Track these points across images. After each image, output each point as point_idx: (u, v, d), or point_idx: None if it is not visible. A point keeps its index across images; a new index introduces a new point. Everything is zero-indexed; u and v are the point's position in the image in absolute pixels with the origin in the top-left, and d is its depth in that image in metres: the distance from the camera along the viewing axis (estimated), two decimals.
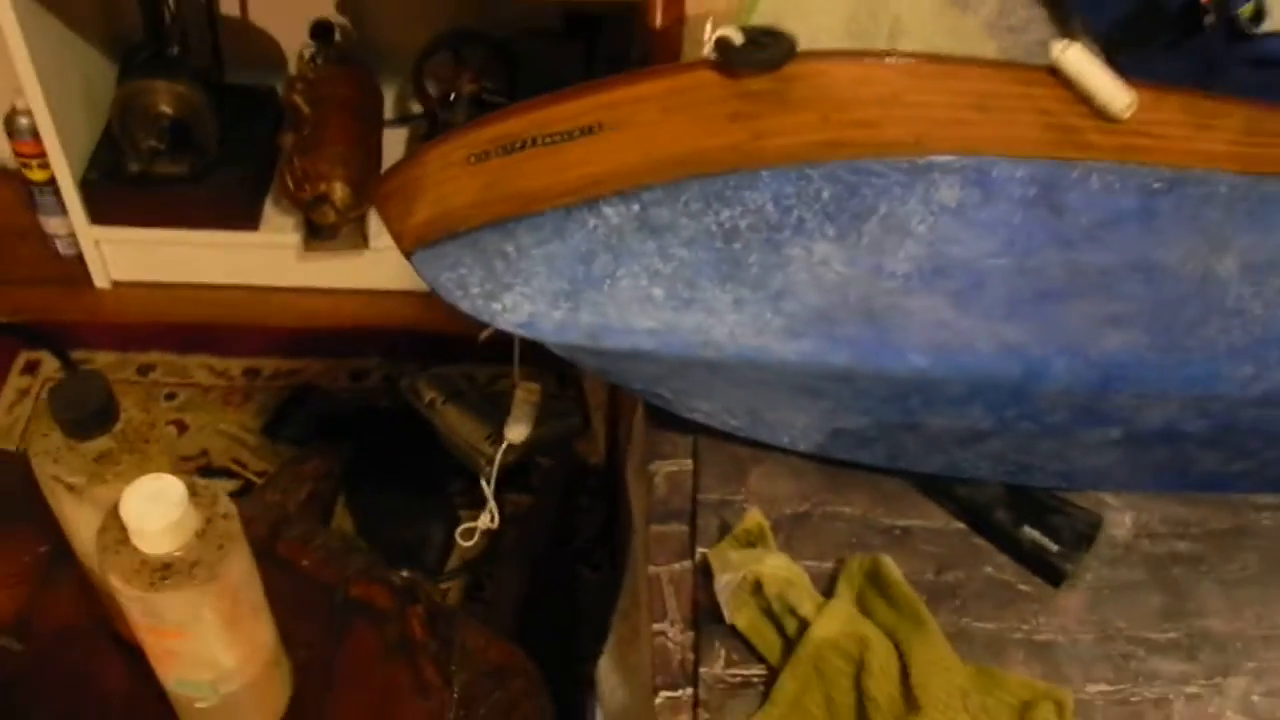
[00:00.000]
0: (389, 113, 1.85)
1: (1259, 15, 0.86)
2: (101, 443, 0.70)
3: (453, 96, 1.70)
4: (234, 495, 1.54)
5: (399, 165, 0.84)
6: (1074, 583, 0.87)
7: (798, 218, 0.75)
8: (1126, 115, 0.76)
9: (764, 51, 0.77)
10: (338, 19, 1.79)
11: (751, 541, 0.80)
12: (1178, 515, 0.93)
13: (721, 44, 0.78)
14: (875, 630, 0.75)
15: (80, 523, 0.73)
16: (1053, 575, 0.87)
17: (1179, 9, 0.87)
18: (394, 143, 1.82)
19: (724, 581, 0.77)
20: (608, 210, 0.76)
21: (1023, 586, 0.87)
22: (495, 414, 1.35)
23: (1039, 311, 0.77)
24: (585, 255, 0.77)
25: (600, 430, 1.45)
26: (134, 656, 0.76)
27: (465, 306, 0.80)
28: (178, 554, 0.65)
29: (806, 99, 0.77)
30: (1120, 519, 0.92)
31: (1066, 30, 0.92)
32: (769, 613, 0.77)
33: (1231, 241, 0.77)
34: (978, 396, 0.81)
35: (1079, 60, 0.78)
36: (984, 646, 0.82)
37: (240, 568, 0.70)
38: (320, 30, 1.74)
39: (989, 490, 0.91)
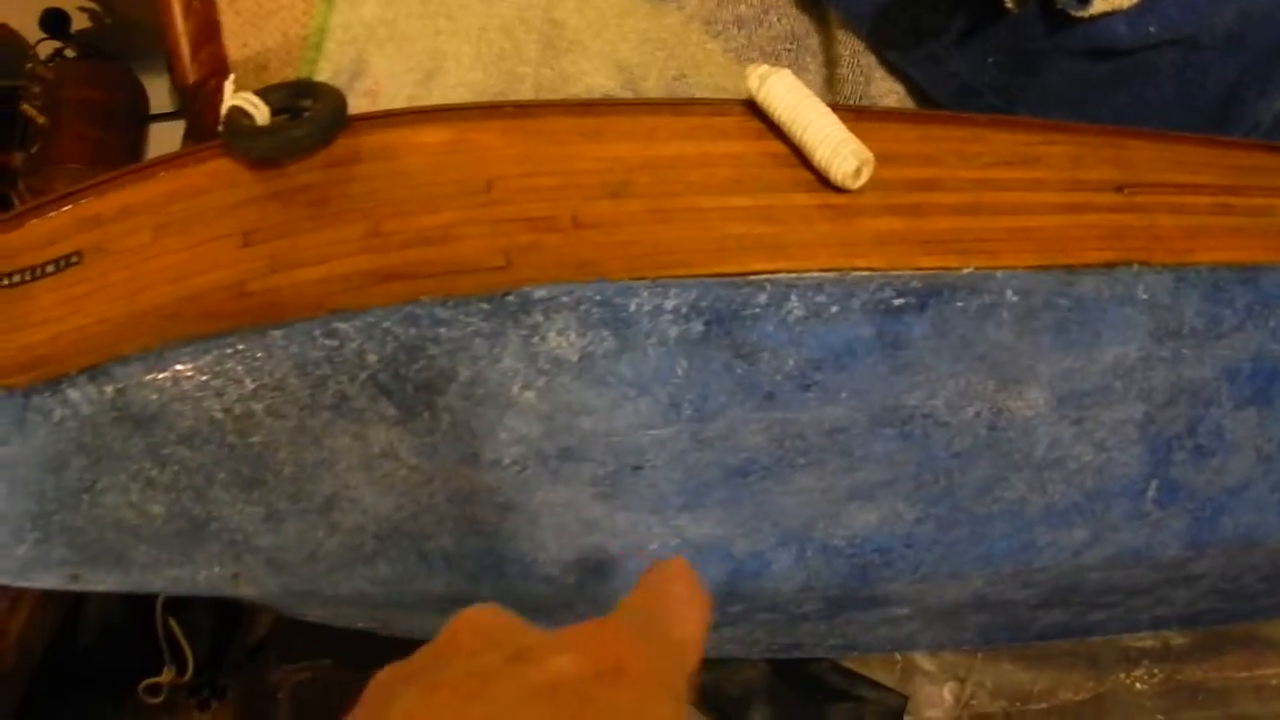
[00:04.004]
0: (162, 105, 1.56)
1: None
2: None
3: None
4: None
5: None
6: None
7: (337, 394, 0.48)
8: (857, 183, 0.49)
9: (288, 130, 0.50)
10: (84, 2, 1.49)
11: None
12: (1015, 683, 0.68)
13: (230, 121, 0.51)
14: None
15: None
16: None
17: None
18: (167, 141, 1.52)
19: None
20: (74, 395, 0.49)
21: None
22: None
23: (738, 494, 0.51)
24: (54, 461, 0.50)
25: None
26: None
27: None
28: None
29: (354, 200, 0.50)
30: (937, 694, 0.67)
31: (820, 17, 0.64)
32: None
33: (1034, 369, 0.51)
34: None
35: (785, 96, 0.50)
36: None
37: None
38: (51, 21, 1.44)
39: (744, 676, 0.65)
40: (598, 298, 0.46)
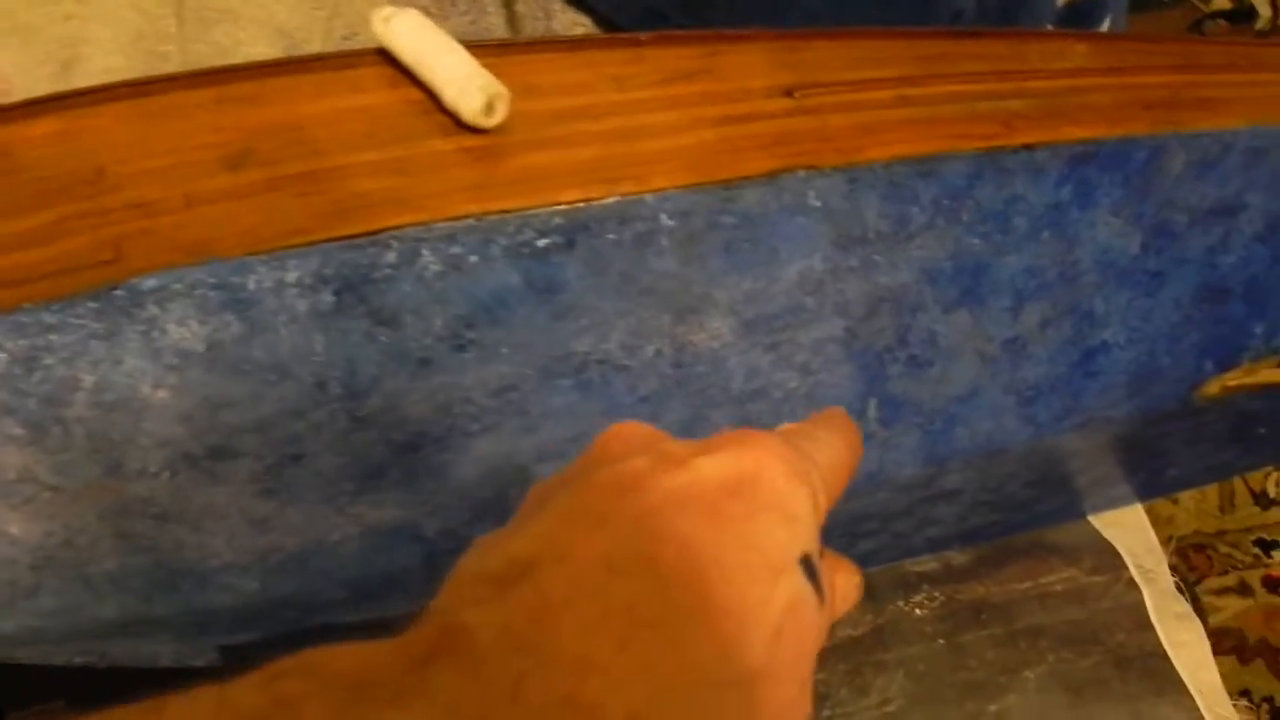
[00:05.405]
0: None
1: None
2: None
3: None
4: None
5: None
6: None
7: None
8: (491, 121, 0.46)
9: None
10: None
11: None
12: None
13: None
14: None
15: None
16: None
17: None
18: None
19: None
20: None
21: None
22: None
23: (414, 471, 0.47)
24: None
25: None
26: None
27: None
28: None
29: None
30: None
31: None
32: None
33: (710, 296, 0.48)
34: (394, 589, 0.52)
35: (411, 36, 0.47)
36: None
37: None
38: None
39: None
40: (212, 280, 0.43)
